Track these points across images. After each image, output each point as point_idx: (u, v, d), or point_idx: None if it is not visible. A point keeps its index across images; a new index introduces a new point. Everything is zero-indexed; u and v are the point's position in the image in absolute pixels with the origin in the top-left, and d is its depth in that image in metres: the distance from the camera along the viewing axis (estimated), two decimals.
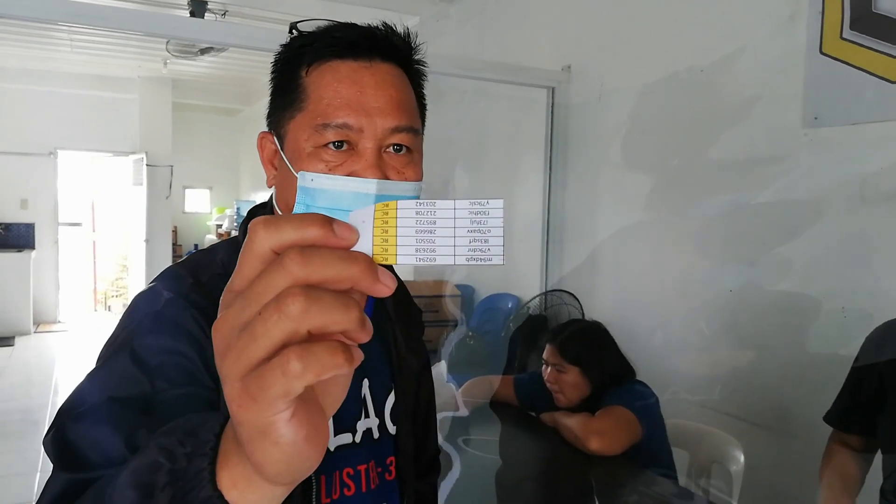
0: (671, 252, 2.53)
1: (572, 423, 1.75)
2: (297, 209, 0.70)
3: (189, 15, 3.95)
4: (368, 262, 0.34)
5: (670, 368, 2.32)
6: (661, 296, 2.55)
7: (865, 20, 1.92)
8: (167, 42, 5.01)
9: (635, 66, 2.70)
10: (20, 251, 6.85)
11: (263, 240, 0.33)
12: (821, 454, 1.49)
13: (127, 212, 7.44)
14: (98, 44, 5.75)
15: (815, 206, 2.02)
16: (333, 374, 0.32)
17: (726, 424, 2.12)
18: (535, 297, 2.89)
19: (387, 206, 0.36)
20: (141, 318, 0.67)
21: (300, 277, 0.32)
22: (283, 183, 0.75)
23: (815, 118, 2.04)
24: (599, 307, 2.72)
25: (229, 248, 0.77)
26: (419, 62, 0.79)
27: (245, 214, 0.82)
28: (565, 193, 3.08)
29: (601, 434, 1.68)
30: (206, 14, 4.10)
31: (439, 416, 1.59)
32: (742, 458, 1.82)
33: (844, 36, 1.97)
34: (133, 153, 7.13)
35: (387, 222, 0.36)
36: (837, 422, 1.45)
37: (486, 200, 0.36)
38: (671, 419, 1.91)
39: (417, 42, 0.78)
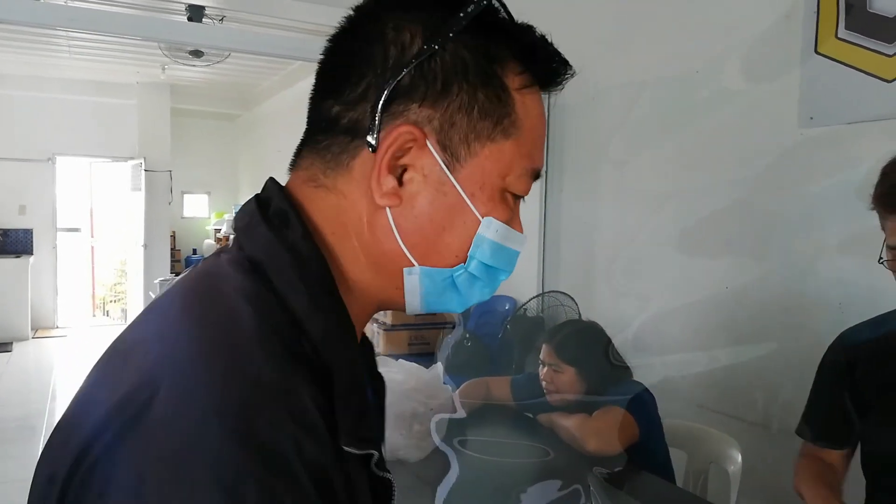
0: (667, 252, 2.53)
1: (569, 424, 1.74)
2: (468, 265, 0.57)
3: (186, 20, 3.96)
4: None
5: (667, 368, 2.32)
6: (657, 295, 2.55)
7: (860, 19, 1.92)
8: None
9: (630, 66, 2.71)
10: (18, 257, 6.86)
11: None
12: None
13: (125, 217, 7.45)
14: (96, 49, 5.76)
15: (811, 205, 2.02)
16: None
17: (724, 424, 2.12)
18: (531, 299, 2.89)
19: None
20: None
21: None
22: (438, 216, 0.55)
23: (811, 118, 2.05)
24: (596, 308, 2.72)
25: (257, 308, 0.50)
26: None
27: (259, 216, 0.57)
28: (562, 195, 3.08)
29: (598, 434, 1.68)
30: (203, 19, 4.11)
31: (436, 417, 1.59)
32: (739, 458, 1.81)
33: (840, 35, 1.97)
34: (131, 158, 7.15)
35: None
36: (814, 438, 1.43)
37: None
38: (668, 419, 1.91)
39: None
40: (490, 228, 0.56)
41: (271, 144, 7.84)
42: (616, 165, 2.80)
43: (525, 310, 2.90)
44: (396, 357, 1.86)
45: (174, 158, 7.22)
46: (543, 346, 1.90)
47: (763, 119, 2.18)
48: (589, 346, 1.87)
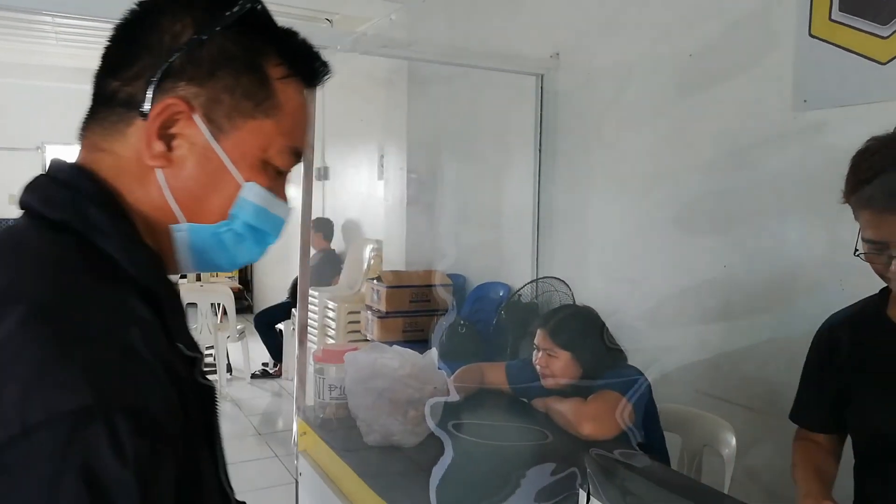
0: (661, 237, 2.52)
1: (564, 408, 1.75)
2: (232, 223, 0.68)
3: None
4: None
5: (662, 353, 2.32)
6: (651, 281, 2.55)
7: (854, 1, 1.91)
8: None
9: (624, 50, 2.69)
10: None
11: None
12: None
13: None
14: (83, 35, 5.69)
15: (805, 188, 2.01)
16: None
17: (718, 408, 2.13)
18: (525, 285, 2.89)
19: None
20: None
21: None
22: (204, 179, 0.66)
23: (804, 101, 2.04)
24: (590, 293, 2.72)
25: (79, 255, 0.61)
26: None
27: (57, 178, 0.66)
28: (555, 181, 3.07)
29: (593, 419, 1.68)
30: None
31: (431, 401, 1.58)
32: (734, 441, 1.82)
33: (833, 17, 1.96)
34: None
35: None
36: (805, 423, 1.44)
37: None
38: (663, 403, 1.91)
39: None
40: (251, 192, 0.67)
41: None
42: (608, 150, 2.79)
43: (519, 296, 2.90)
44: (391, 344, 1.86)
45: None
46: (538, 330, 1.89)
47: (756, 102, 2.17)
48: (584, 331, 1.86)
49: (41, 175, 0.66)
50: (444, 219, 3.78)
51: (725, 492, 1.67)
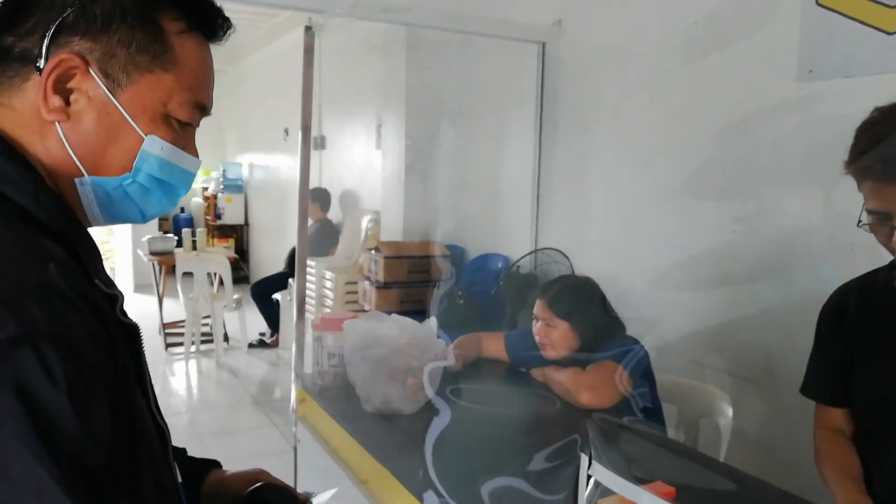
0: (661, 207, 2.51)
1: (563, 378, 1.75)
2: (136, 175, 0.69)
3: None
4: None
5: (660, 324, 2.33)
6: (651, 251, 2.55)
7: None
8: None
9: (627, 19, 2.64)
10: None
11: None
12: (803, 408, 1.47)
13: None
14: None
15: (809, 159, 1.99)
16: None
17: (715, 379, 2.14)
18: (524, 256, 2.88)
19: None
20: None
21: None
22: (104, 132, 0.67)
23: (810, 71, 2.01)
24: (590, 264, 2.71)
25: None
26: None
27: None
28: (556, 151, 3.04)
29: (591, 388, 1.69)
30: None
31: (429, 366, 1.59)
32: (730, 411, 1.83)
33: None
34: None
35: None
36: (818, 395, 1.41)
37: None
38: (661, 374, 1.92)
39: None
40: (154, 145, 0.69)
41: (256, 99, 7.69)
42: (610, 119, 2.76)
43: (518, 267, 2.89)
44: (389, 314, 1.86)
45: None
46: (537, 301, 1.89)
47: (761, 72, 2.14)
48: (583, 301, 1.86)
49: None
50: (442, 189, 3.76)
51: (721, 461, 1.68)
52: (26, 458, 0.49)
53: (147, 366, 0.71)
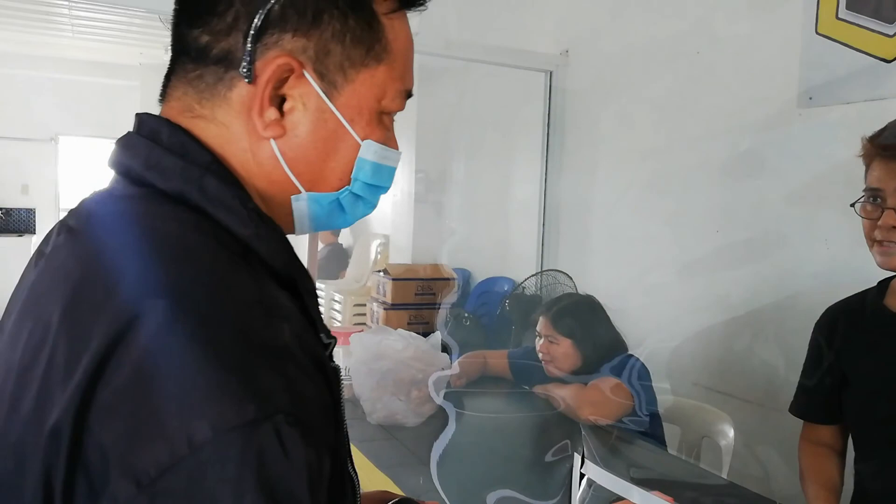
0: (664, 232, 2.54)
1: (565, 393, 1.77)
2: (352, 186, 0.61)
3: None
4: None
5: (662, 343, 2.34)
6: (653, 274, 2.57)
7: (861, 0, 1.93)
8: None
9: (632, 48, 2.71)
10: (21, 236, 6.88)
11: None
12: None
13: None
14: (99, 29, 5.75)
15: (810, 184, 2.03)
16: None
17: (717, 402, 2.14)
18: (529, 277, 2.92)
19: None
20: None
21: None
22: (321, 144, 0.58)
23: (810, 98, 2.06)
24: (594, 287, 2.74)
25: (211, 237, 0.53)
26: None
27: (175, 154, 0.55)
28: (561, 177, 3.09)
29: (593, 403, 1.71)
30: None
31: (434, 375, 1.62)
32: (731, 432, 1.84)
33: (840, 16, 1.98)
34: None
35: None
36: (805, 413, 1.43)
37: None
38: (662, 395, 1.93)
39: None
40: (370, 151, 0.60)
41: None
42: (614, 146, 2.82)
43: (523, 288, 2.93)
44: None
45: None
46: (540, 318, 1.92)
47: (763, 99, 2.19)
48: (585, 319, 1.89)
49: (132, 134, 0.58)
50: (451, 214, 3.81)
51: None
52: None
53: (344, 408, 0.61)
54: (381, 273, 3.61)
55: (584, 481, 0.86)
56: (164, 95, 0.60)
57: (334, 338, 0.60)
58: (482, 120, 3.70)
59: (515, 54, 3.14)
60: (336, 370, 0.58)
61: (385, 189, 0.64)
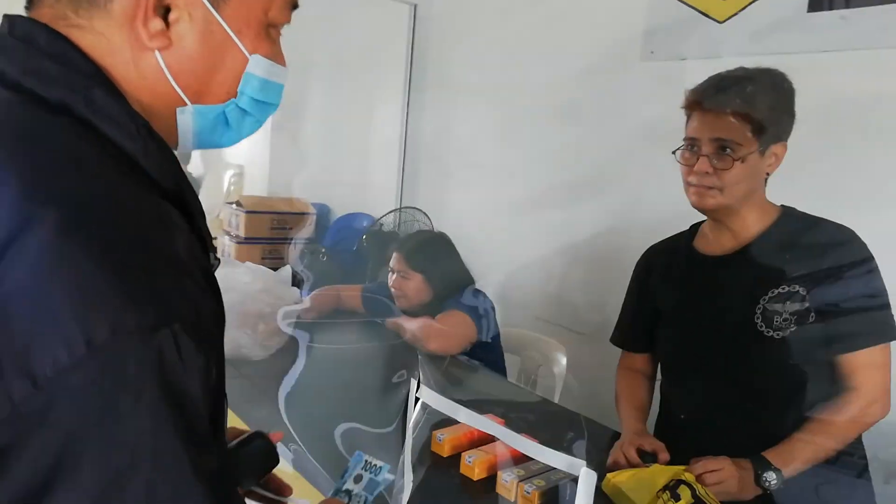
0: (517, 170, 2.65)
1: (413, 327, 1.83)
2: (238, 100, 0.61)
3: None
4: None
5: (509, 283, 2.47)
6: (506, 213, 2.68)
7: None
8: None
9: None
10: None
11: None
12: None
13: None
14: None
15: (650, 133, 2.17)
16: None
17: (555, 333, 2.31)
18: (387, 214, 2.93)
19: None
20: None
21: None
22: (208, 56, 0.57)
23: (651, 52, 2.19)
24: (450, 223, 2.81)
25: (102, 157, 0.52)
26: None
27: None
28: (423, 114, 3.09)
29: (440, 336, 1.78)
30: None
31: (284, 308, 1.60)
32: (564, 360, 2.00)
33: None
34: None
35: None
36: (623, 343, 1.59)
37: None
38: (505, 327, 2.05)
39: None
40: (258, 66, 0.60)
41: None
42: (474, 86, 2.86)
43: (381, 224, 2.94)
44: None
45: None
46: (394, 253, 1.95)
47: (611, 51, 2.30)
48: (436, 255, 1.94)
49: (5, 35, 0.54)
50: (310, 147, 3.70)
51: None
52: (174, 442, 0.46)
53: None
54: (234, 205, 3.46)
55: (418, 405, 0.90)
56: (32, 5, 0.57)
57: (219, 259, 0.61)
58: (344, 51, 3.58)
59: None
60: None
61: (274, 106, 0.64)
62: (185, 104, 0.59)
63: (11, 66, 0.52)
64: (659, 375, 1.55)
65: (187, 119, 0.60)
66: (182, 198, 0.56)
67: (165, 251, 0.49)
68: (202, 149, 0.65)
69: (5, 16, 0.56)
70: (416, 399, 0.91)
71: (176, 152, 0.62)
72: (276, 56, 0.62)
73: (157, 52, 0.55)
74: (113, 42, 0.55)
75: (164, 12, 0.54)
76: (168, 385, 0.45)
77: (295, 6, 0.62)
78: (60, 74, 0.52)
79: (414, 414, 0.90)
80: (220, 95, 0.60)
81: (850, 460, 1.24)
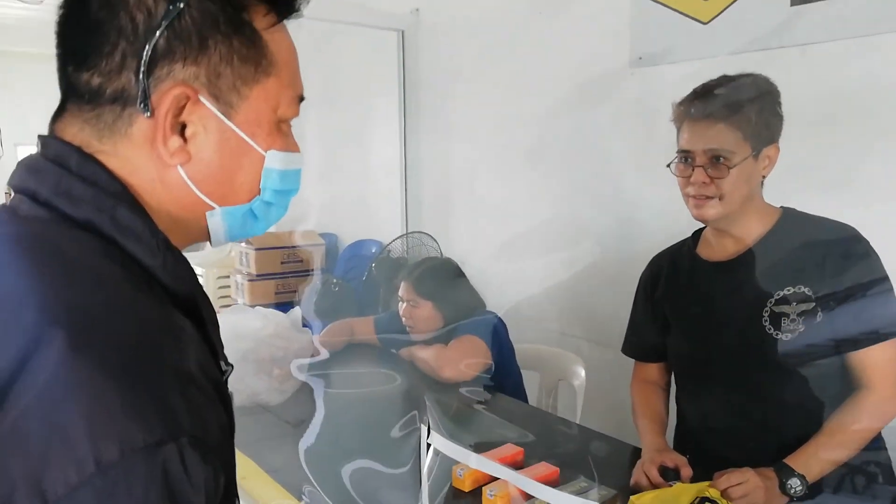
0: (519, 191, 2.65)
1: (426, 355, 1.83)
2: (262, 195, 0.64)
3: None
4: None
5: (520, 301, 2.47)
6: (511, 234, 2.68)
7: None
8: None
9: (479, 6, 2.75)
10: None
11: None
12: None
13: None
14: None
15: (644, 137, 2.18)
16: None
17: (572, 345, 2.30)
18: (394, 240, 2.95)
19: None
20: None
21: None
22: (227, 161, 0.61)
23: (640, 58, 2.19)
24: (456, 248, 2.82)
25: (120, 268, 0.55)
26: None
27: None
28: (420, 137, 3.12)
29: (453, 362, 1.78)
30: None
31: (295, 363, 1.61)
32: (583, 373, 1.99)
33: None
34: None
35: None
36: (634, 353, 1.57)
37: None
38: (520, 344, 2.05)
39: None
40: (275, 160, 0.63)
41: None
42: (466, 102, 2.88)
43: (389, 251, 2.95)
44: (265, 307, 1.86)
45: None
46: (402, 283, 1.96)
47: (599, 57, 2.31)
48: (444, 281, 1.95)
49: (39, 158, 0.58)
50: (312, 177, 3.74)
51: (577, 418, 1.83)
52: None
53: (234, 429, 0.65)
54: (244, 243, 3.50)
55: (430, 451, 0.91)
56: (55, 131, 0.60)
57: (231, 365, 0.64)
58: (337, 81, 3.61)
59: (366, 12, 3.08)
60: (230, 396, 0.62)
61: (294, 191, 0.67)
62: (213, 208, 0.62)
63: (44, 187, 0.56)
64: (673, 385, 1.54)
65: (217, 220, 0.63)
66: (196, 308, 0.59)
67: (175, 364, 0.51)
68: (232, 241, 0.68)
69: (39, 136, 0.60)
70: (428, 444, 0.91)
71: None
72: (290, 146, 0.65)
73: (179, 167, 0.59)
74: (137, 163, 0.58)
75: (181, 129, 0.58)
76: (172, 496, 0.47)
77: (301, 99, 0.66)
78: (88, 195, 0.56)
79: (427, 460, 0.91)
80: (245, 195, 0.63)
81: (872, 458, 1.23)
